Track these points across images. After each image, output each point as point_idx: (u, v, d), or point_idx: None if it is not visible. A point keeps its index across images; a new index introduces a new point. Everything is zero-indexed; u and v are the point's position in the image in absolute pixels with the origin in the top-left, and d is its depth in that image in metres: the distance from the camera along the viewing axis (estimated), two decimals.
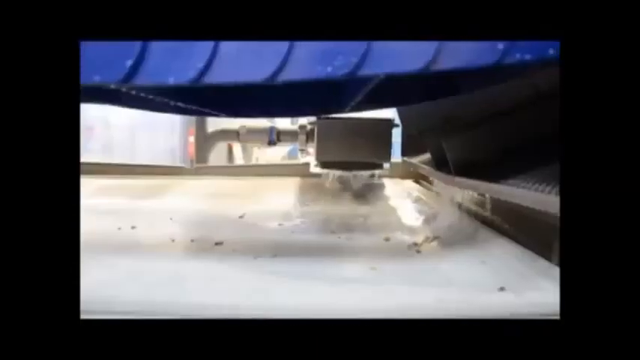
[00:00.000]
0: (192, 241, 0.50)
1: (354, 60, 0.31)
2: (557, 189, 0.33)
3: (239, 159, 1.61)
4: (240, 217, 0.63)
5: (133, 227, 0.55)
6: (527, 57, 0.32)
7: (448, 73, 0.32)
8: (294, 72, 0.31)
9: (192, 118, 1.11)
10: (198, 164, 1.04)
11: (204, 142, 1.07)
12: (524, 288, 0.34)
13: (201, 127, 1.07)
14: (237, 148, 1.59)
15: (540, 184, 0.36)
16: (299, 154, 1.06)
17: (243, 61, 0.32)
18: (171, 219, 0.61)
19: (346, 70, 0.31)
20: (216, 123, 1.09)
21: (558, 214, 0.33)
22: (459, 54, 0.32)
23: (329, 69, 0.31)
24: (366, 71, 0.31)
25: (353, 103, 0.51)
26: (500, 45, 0.31)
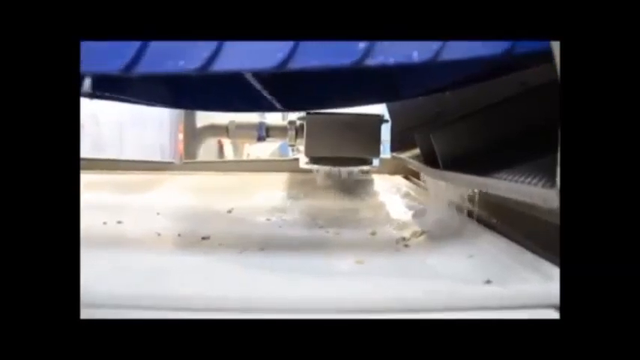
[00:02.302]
0: (178, 235, 0.50)
1: (205, 55, 0.31)
2: (543, 181, 0.33)
3: (230, 156, 1.61)
4: (229, 211, 0.63)
5: (119, 222, 0.54)
6: (391, 60, 0.31)
7: (305, 70, 0.32)
8: (147, 65, 0.32)
9: (182, 114, 1.10)
10: (186, 160, 1.03)
11: (193, 138, 1.06)
12: (509, 280, 0.34)
13: (190, 123, 1.07)
14: (227, 145, 1.58)
15: (527, 177, 0.36)
16: (290, 151, 1.06)
17: (103, 52, 0.32)
18: (158, 214, 0.60)
19: (197, 65, 0.31)
20: (205, 119, 1.09)
21: (544, 206, 0.33)
22: (315, 52, 0.31)
23: (181, 63, 0.31)
24: (218, 67, 0.31)
25: (280, 103, 0.52)
26: (362, 45, 0.31)
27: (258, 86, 0.46)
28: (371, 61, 0.31)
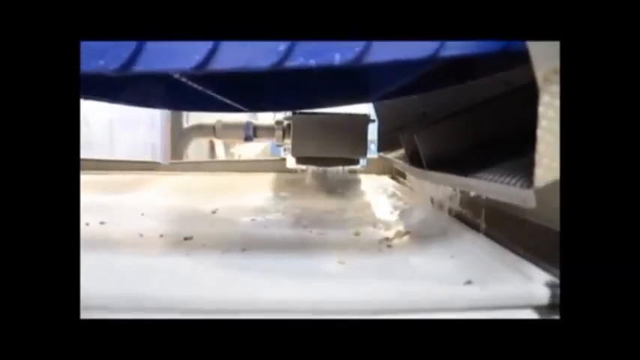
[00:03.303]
0: (161, 236, 0.49)
1: (125, 55, 0.31)
2: (521, 181, 0.33)
3: (221, 156, 1.61)
4: (213, 212, 0.62)
5: (101, 223, 0.54)
6: (312, 62, 0.31)
7: (225, 72, 0.32)
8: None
9: (169, 114, 1.10)
10: (173, 160, 1.03)
11: (180, 137, 1.05)
12: (490, 280, 0.34)
13: (176, 123, 1.06)
14: (219, 145, 1.58)
15: (507, 177, 0.36)
16: (282, 151, 1.05)
17: None
18: (142, 214, 0.60)
19: (117, 65, 0.31)
20: (193, 119, 1.08)
21: (523, 206, 0.33)
22: (234, 54, 0.31)
23: (100, 62, 0.32)
24: (138, 68, 0.32)
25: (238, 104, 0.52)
26: (282, 46, 0.31)
27: (198, 87, 0.46)
28: (291, 63, 0.31)
